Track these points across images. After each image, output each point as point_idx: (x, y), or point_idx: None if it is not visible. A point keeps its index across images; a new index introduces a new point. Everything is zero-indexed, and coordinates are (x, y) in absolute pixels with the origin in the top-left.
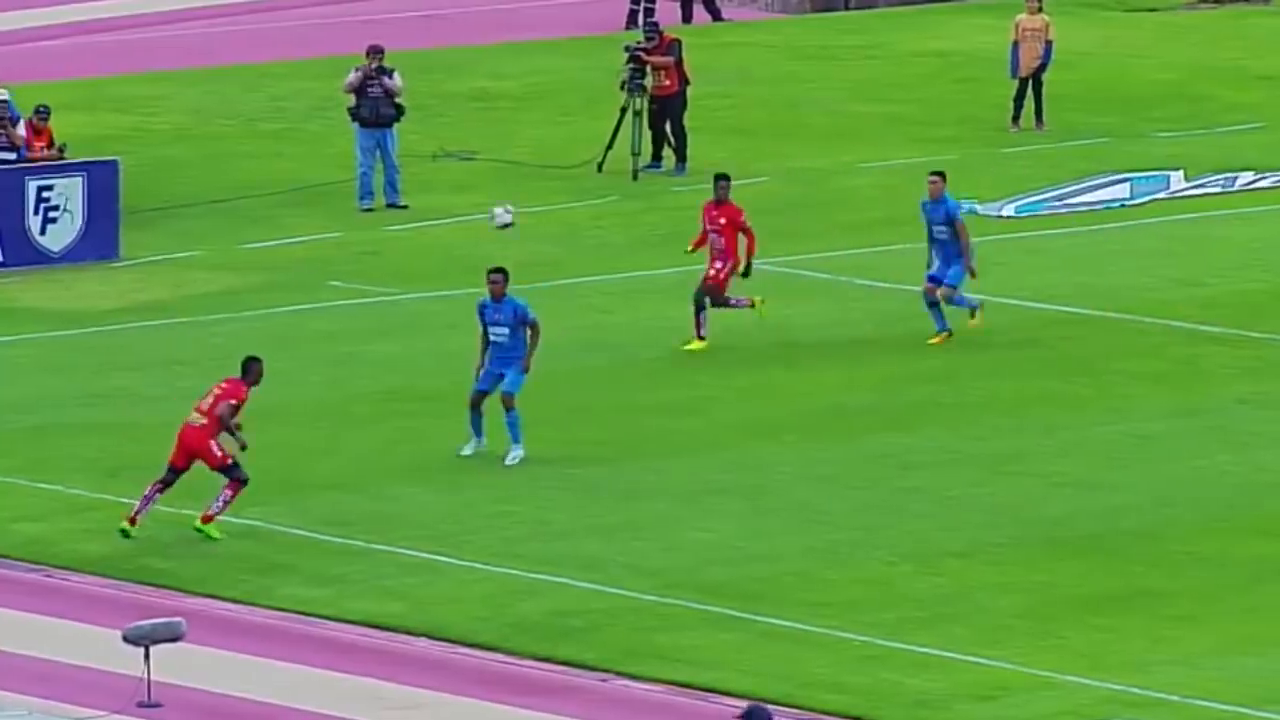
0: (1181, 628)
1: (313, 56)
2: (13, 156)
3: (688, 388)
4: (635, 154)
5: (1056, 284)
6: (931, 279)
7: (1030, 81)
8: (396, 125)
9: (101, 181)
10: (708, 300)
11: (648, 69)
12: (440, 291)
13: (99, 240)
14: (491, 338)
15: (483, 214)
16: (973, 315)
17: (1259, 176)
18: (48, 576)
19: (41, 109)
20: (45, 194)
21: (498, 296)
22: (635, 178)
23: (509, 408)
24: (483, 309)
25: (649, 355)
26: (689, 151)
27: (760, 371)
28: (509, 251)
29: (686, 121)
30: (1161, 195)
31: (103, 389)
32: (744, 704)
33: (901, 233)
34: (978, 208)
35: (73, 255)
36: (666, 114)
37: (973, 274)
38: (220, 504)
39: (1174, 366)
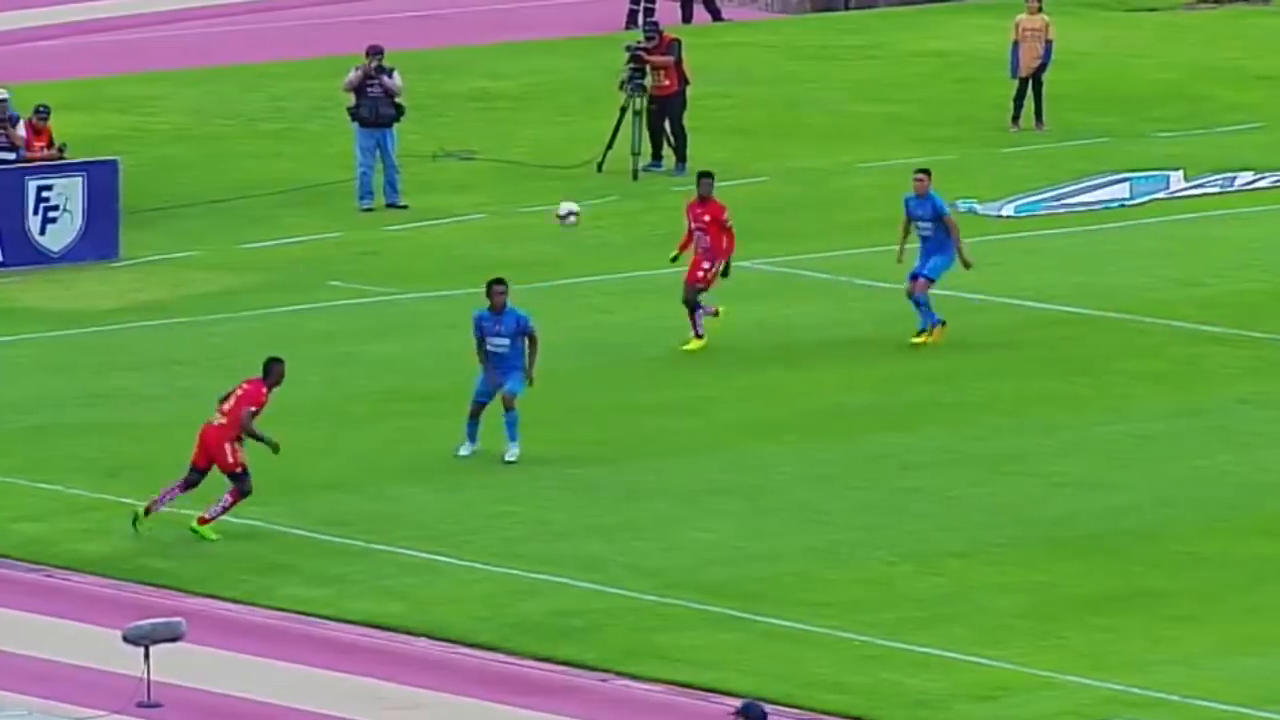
0: (1182, 628)
1: (312, 56)
2: (12, 156)
3: (688, 388)
4: (635, 154)
5: (1056, 284)
6: (912, 276)
7: (1030, 81)
8: (396, 125)
9: (101, 181)
10: (695, 296)
11: (647, 69)
12: (440, 291)
13: (98, 240)
14: (490, 349)
15: (481, 214)
16: (931, 331)
17: (1258, 176)
18: (48, 576)
19: (41, 109)
20: (45, 194)
21: (500, 308)
22: (635, 177)
23: (509, 408)
24: (480, 321)
25: (649, 355)
26: (689, 151)
27: (760, 371)
28: (509, 252)
29: (686, 121)
30: (1161, 195)
31: (102, 389)
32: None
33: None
34: (977, 207)
35: (72, 255)
36: (665, 114)
37: (967, 265)
38: (219, 508)
39: (1174, 366)
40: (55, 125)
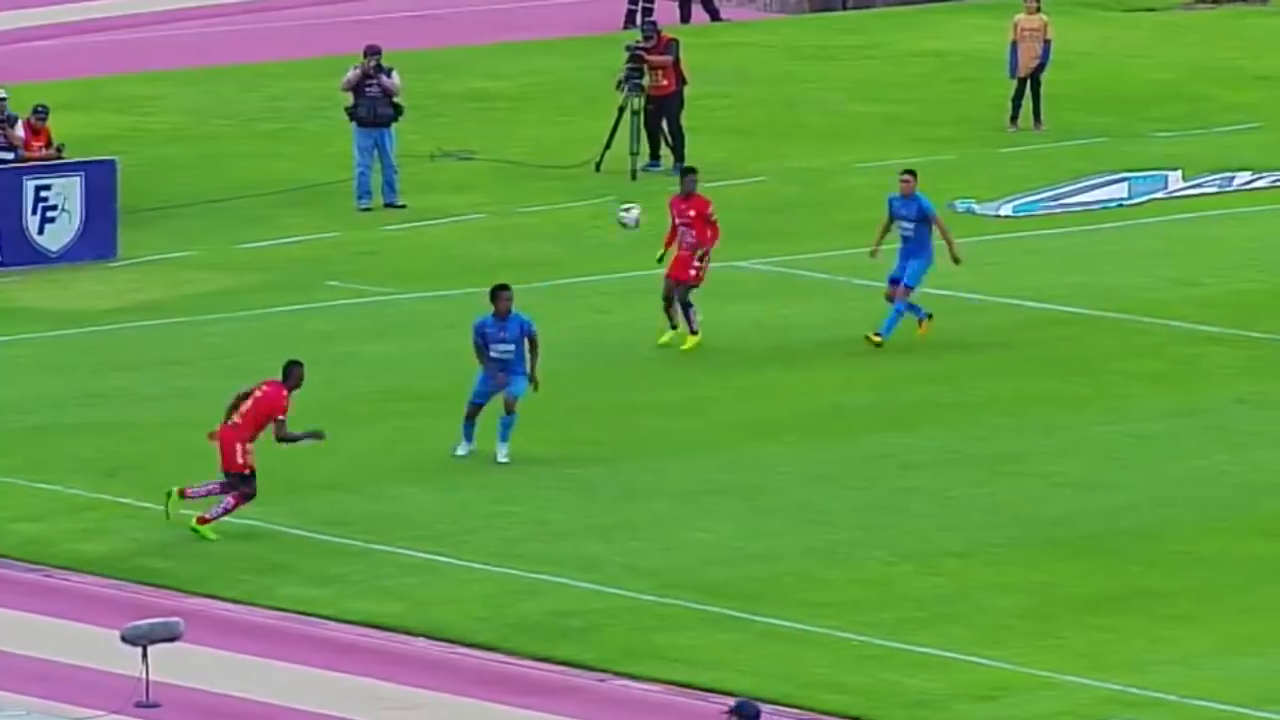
0: (1180, 628)
1: (310, 56)
2: (10, 156)
3: (686, 388)
4: (634, 154)
5: (1054, 284)
6: (892, 280)
7: (1028, 81)
8: (394, 125)
9: (99, 181)
10: (687, 295)
11: (645, 68)
12: (438, 291)
13: (96, 240)
14: (494, 355)
15: (480, 214)
16: (920, 323)
17: (1256, 176)
18: (46, 576)
19: (39, 109)
20: (43, 194)
21: (505, 314)
22: (634, 177)
23: (510, 410)
24: (483, 328)
25: (647, 355)
26: (687, 151)
27: (759, 371)
28: (508, 252)
29: (684, 121)
30: (1159, 195)
31: (101, 389)
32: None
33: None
34: (975, 207)
35: (70, 255)
36: (663, 113)
37: (957, 261)
38: (219, 510)
39: (1173, 366)
40: (53, 125)
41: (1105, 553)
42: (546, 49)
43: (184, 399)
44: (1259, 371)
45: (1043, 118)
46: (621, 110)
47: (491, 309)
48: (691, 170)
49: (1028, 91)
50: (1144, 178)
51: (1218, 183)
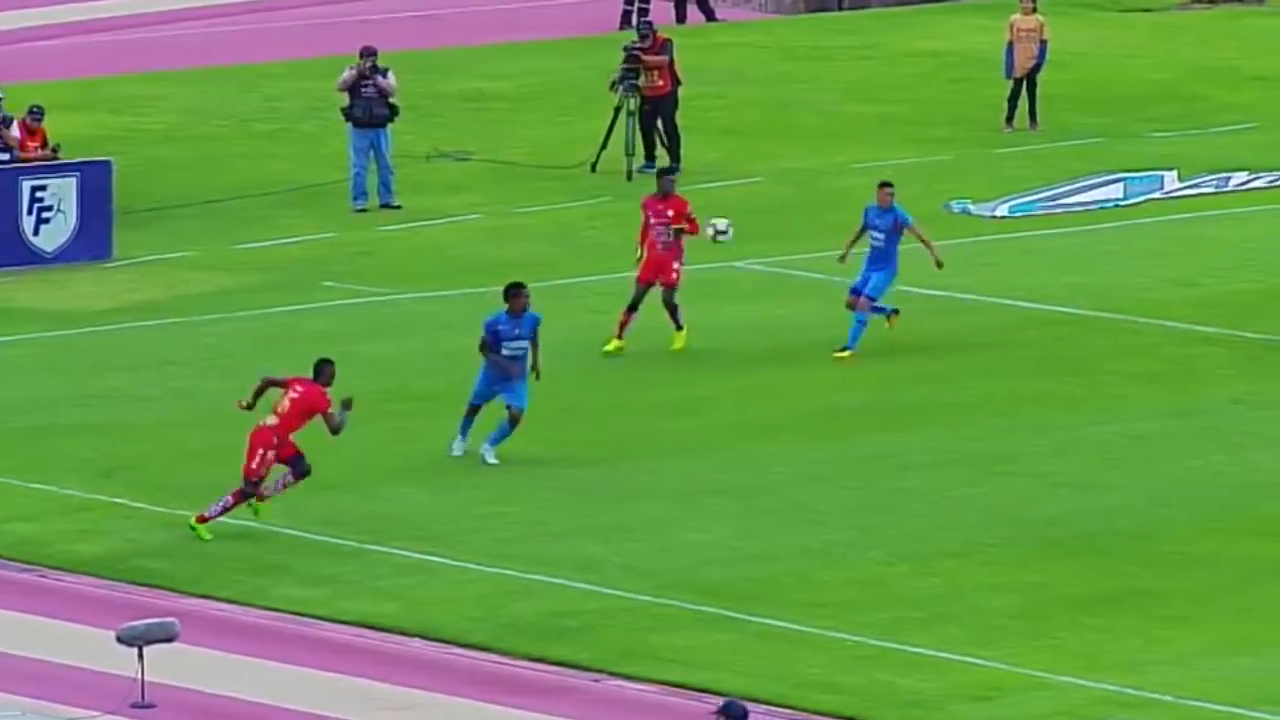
0: (1175, 628)
1: (307, 57)
2: (6, 157)
3: (682, 388)
4: (629, 154)
5: (1050, 284)
6: (853, 291)
7: (1025, 82)
8: (390, 125)
9: (95, 182)
10: (671, 296)
11: (641, 69)
12: (434, 292)
13: (92, 240)
14: (508, 353)
15: (476, 214)
16: (889, 319)
17: (1253, 177)
18: (41, 577)
19: (35, 109)
20: (39, 194)
21: (521, 311)
22: (630, 178)
23: (514, 423)
24: (496, 326)
25: (643, 356)
26: (683, 151)
27: (755, 372)
28: (504, 253)
29: (679, 121)
30: (1155, 195)
31: (96, 389)
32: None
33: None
34: (971, 208)
35: (66, 255)
36: (658, 114)
37: (939, 265)
38: (219, 508)
39: (1168, 367)
40: (49, 125)
41: (1100, 553)
42: (543, 49)
43: (180, 399)
44: (1255, 372)
45: (1039, 118)
46: (617, 111)
47: (505, 307)
48: (669, 171)
49: (1024, 92)
50: (1140, 178)
51: (1214, 183)
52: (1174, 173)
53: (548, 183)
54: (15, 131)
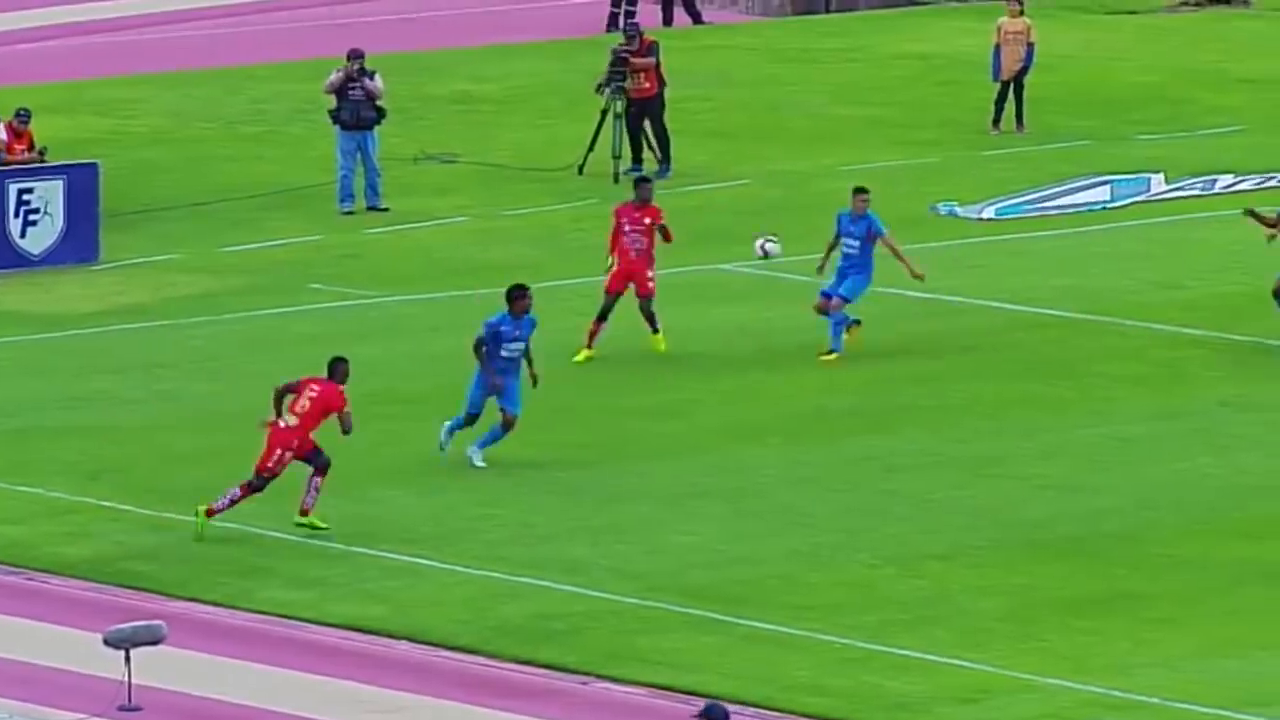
0: (1163, 630)
1: (294, 59)
2: None
3: (670, 391)
4: (616, 157)
5: (1037, 286)
6: (824, 295)
7: (1011, 84)
8: (377, 128)
9: (81, 184)
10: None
11: (628, 71)
12: (421, 294)
13: (79, 243)
14: (507, 355)
15: (463, 216)
16: (849, 330)
17: (1239, 179)
18: (28, 579)
19: (21, 112)
20: (25, 197)
21: (523, 313)
22: (616, 180)
23: (508, 429)
24: (499, 328)
25: (630, 358)
26: (672, 153)
27: (742, 374)
28: (491, 255)
29: (667, 123)
30: (1142, 198)
31: (83, 392)
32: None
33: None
34: (958, 210)
35: (53, 258)
36: (644, 116)
37: (917, 276)
38: (226, 501)
39: (1155, 369)
40: (35, 128)
41: (1087, 555)
42: (530, 52)
43: (166, 402)
44: (1242, 374)
45: (1025, 120)
46: (604, 113)
47: (507, 308)
48: (647, 179)
49: (1011, 94)
50: (1127, 180)
51: (1201, 186)
52: (1161, 175)
53: (534, 185)
54: (2, 134)
